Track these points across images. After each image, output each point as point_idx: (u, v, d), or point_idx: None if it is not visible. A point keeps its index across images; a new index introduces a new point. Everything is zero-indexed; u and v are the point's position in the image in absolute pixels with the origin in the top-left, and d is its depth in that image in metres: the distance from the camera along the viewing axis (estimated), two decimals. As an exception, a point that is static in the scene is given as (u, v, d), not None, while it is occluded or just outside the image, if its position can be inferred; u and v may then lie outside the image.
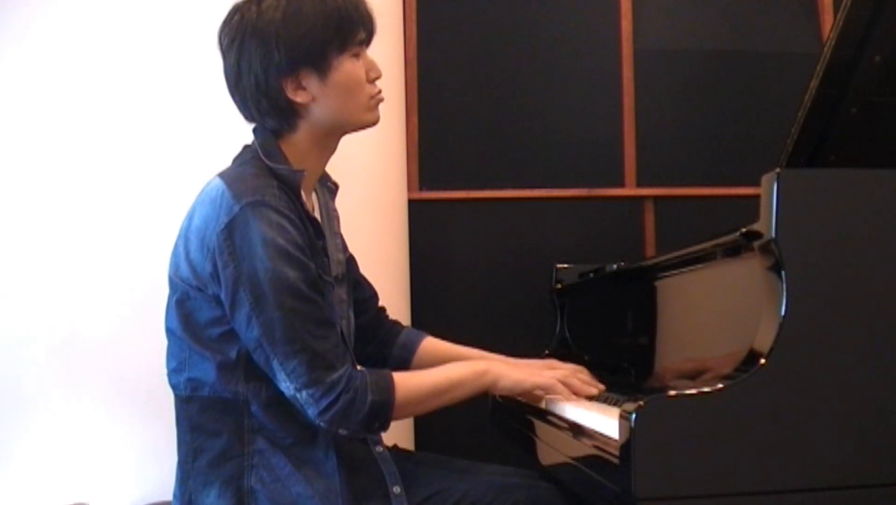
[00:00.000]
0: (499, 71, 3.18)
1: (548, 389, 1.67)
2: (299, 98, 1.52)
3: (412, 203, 3.05)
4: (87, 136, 2.36)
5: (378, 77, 1.59)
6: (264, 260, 1.42)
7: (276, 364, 1.43)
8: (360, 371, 1.50)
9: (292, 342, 1.42)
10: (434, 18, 3.14)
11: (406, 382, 1.53)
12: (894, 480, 1.23)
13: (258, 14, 1.49)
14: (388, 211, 2.87)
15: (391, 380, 1.50)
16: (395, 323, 1.90)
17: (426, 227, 3.09)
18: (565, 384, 1.66)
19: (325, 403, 1.43)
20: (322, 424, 1.45)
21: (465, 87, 3.14)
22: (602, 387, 1.71)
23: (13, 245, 2.33)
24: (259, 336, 1.43)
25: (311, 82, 1.52)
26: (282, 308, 1.42)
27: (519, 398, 1.86)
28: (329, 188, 1.74)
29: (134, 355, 2.29)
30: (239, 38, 1.50)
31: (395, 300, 2.81)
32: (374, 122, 1.61)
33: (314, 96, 1.53)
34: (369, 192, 2.64)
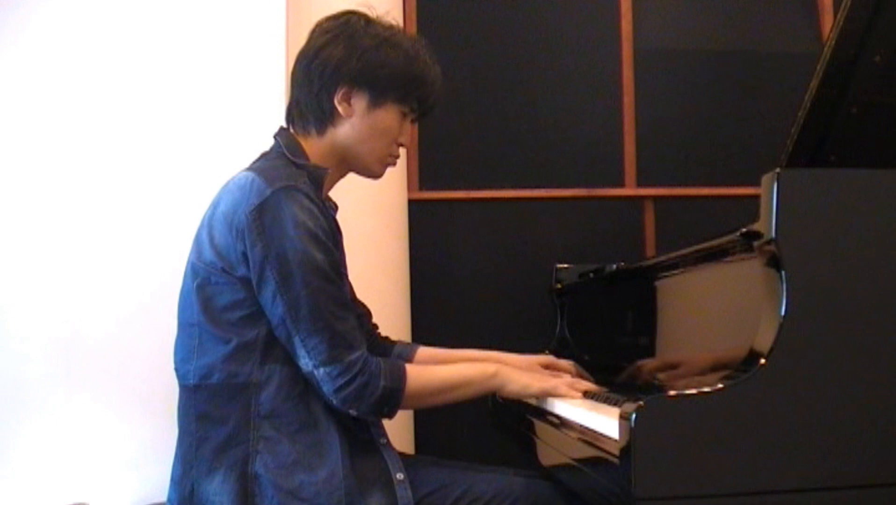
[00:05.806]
0: (499, 71, 3.18)
1: (553, 393, 1.71)
2: (341, 108, 1.63)
3: (412, 203, 3.05)
4: (87, 139, 2.36)
5: (403, 145, 1.72)
6: (294, 240, 1.49)
7: (297, 340, 1.50)
8: (376, 358, 1.56)
9: (316, 320, 1.49)
10: (434, 19, 3.14)
11: (418, 374, 1.60)
12: (894, 480, 1.23)
13: (363, 28, 1.64)
14: (388, 211, 2.87)
15: (404, 370, 1.58)
16: (386, 339, 1.94)
17: (426, 227, 3.09)
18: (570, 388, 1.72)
19: (341, 381, 1.50)
20: (335, 401, 1.51)
21: (465, 88, 3.13)
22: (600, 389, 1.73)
23: (14, 245, 2.33)
24: (283, 313, 1.50)
25: (359, 104, 1.64)
26: (308, 287, 1.49)
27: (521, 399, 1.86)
28: (329, 207, 1.76)
29: (134, 355, 2.29)
30: (335, 33, 1.64)
31: (394, 300, 2.81)
32: (377, 176, 1.74)
33: (353, 115, 1.64)
34: (369, 192, 2.63)
